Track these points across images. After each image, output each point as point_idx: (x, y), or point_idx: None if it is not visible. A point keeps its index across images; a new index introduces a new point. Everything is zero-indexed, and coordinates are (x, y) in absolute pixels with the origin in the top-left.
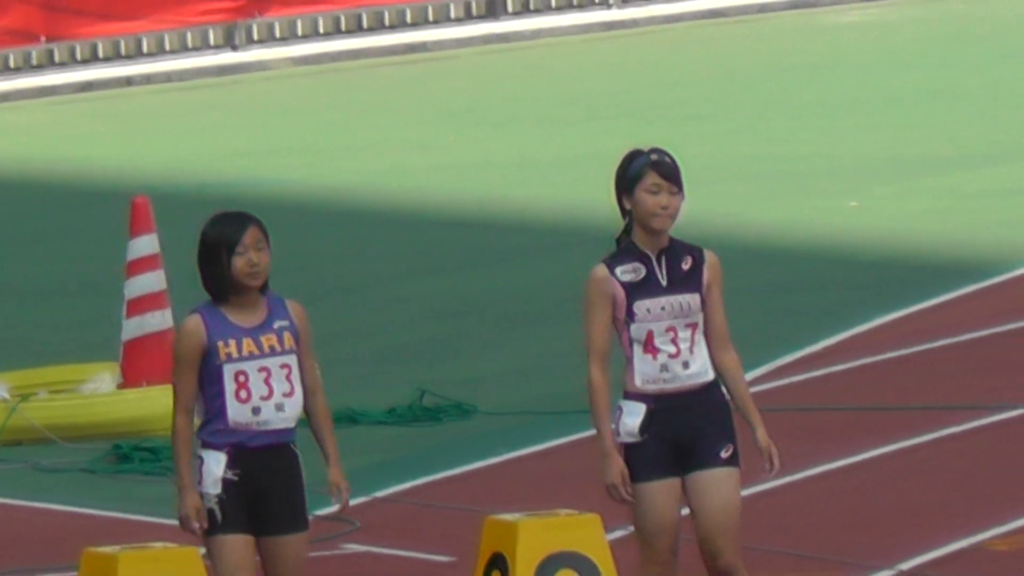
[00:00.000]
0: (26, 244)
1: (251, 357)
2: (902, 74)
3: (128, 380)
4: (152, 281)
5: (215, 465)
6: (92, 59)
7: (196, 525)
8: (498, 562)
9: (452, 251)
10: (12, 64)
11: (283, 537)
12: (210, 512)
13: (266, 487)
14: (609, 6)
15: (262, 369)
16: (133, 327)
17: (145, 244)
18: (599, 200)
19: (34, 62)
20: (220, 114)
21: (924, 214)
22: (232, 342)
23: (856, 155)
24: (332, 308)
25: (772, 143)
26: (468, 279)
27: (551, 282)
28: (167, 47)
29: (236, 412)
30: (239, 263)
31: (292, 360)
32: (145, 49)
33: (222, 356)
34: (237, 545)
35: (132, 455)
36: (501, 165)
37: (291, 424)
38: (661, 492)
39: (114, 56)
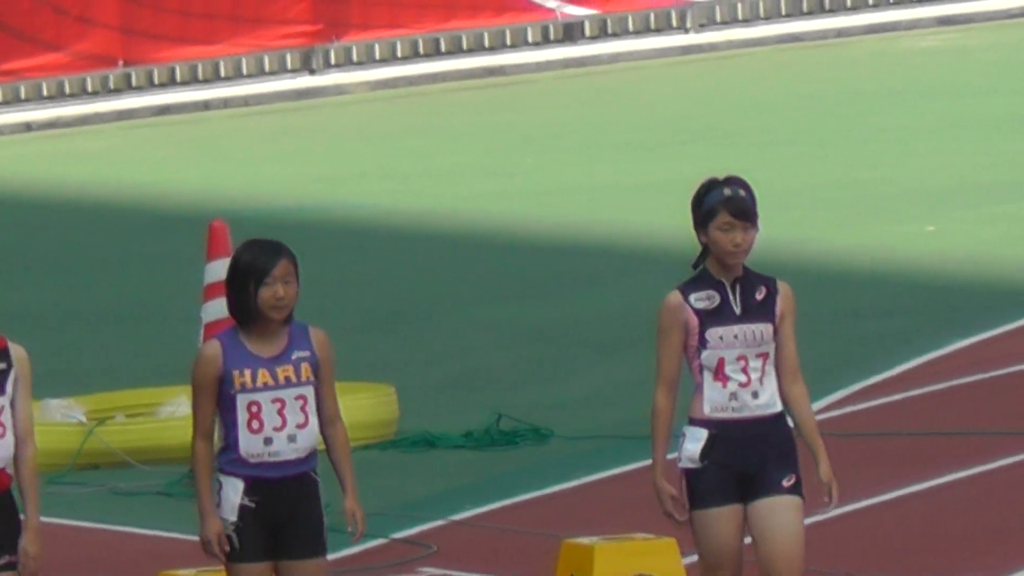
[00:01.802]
0: (103, 269)
1: (265, 388)
2: (979, 99)
3: None
4: None
5: (232, 492)
6: (169, 83)
7: (217, 549)
8: None
9: (530, 277)
10: (90, 88)
11: (302, 562)
12: (228, 539)
13: (284, 515)
14: (687, 30)
15: (276, 400)
16: None
17: (222, 268)
18: (676, 226)
19: (112, 86)
20: (297, 139)
21: (999, 240)
22: (247, 372)
23: (932, 181)
24: (409, 333)
25: (847, 169)
26: (546, 305)
27: (628, 308)
28: (244, 71)
29: (248, 442)
30: (265, 294)
31: (308, 391)
32: (222, 73)
33: (236, 385)
34: (254, 573)
35: None
36: (579, 190)
37: (303, 455)
38: (721, 519)
39: (191, 80)
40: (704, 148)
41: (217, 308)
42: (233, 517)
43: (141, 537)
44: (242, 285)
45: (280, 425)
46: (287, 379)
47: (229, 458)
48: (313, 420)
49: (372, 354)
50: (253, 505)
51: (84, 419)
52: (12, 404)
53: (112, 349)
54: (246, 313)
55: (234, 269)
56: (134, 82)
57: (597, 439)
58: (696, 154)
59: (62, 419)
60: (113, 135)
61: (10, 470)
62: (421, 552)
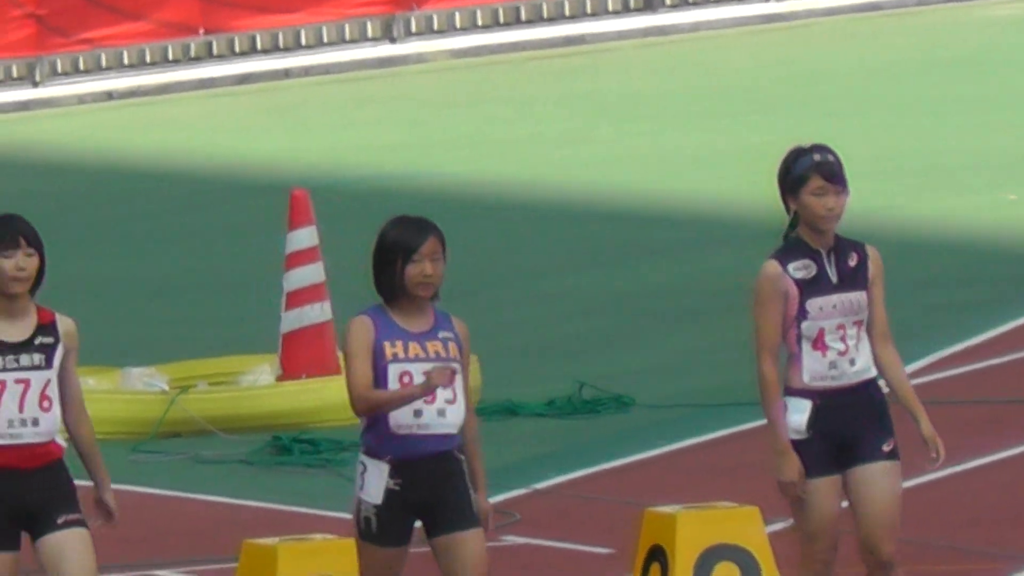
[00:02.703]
0: (185, 237)
1: (416, 360)
2: None
3: (287, 372)
4: (311, 273)
5: (377, 475)
6: (250, 51)
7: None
8: (657, 554)
9: (611, 245)
10: (171, 56)
11: (459, 534)
12: (366, 520)
13: (429, 496)
14: None
15: (426, 374)
16: (292, 319)
17: (304, 236)
18: (754, 195)
19: (192, 55)
20: (378, 107)
21: None
22: (399, 343)
23: (1012, 150)
24: (491, 301)
25: (925, 137)
26: (626, 273)
27: (708, 276)
28: (325, 39)
29: (398, 413)
30: (412, 271)
31: (458, 368)
32: (303, 41)
33: (388, 355)
34: (389, 557)
35: (291, 447)
36: (657, 159)
37: (452, 431)
38: (825, 489)
39: (272, 48)
40: (782, 117)
41: (299, 277)
42: (377, 501)
43: (223, 505)
44: (389, 261)
45: (431, 398)
46: (436, 354)
47: (375, 434)
48: (462, 399)
49: None
50: (398, 488)
51: (166, 388)
52: (60, 377)
53: (194, 318)
54: (392, 290)
55: (381, 245)
56: (215, 50)
57: (679, 407)
58: (774, 123)
59: (144, 388)
60: (194, 103)
61: (60, 441)
62: (504, 520)
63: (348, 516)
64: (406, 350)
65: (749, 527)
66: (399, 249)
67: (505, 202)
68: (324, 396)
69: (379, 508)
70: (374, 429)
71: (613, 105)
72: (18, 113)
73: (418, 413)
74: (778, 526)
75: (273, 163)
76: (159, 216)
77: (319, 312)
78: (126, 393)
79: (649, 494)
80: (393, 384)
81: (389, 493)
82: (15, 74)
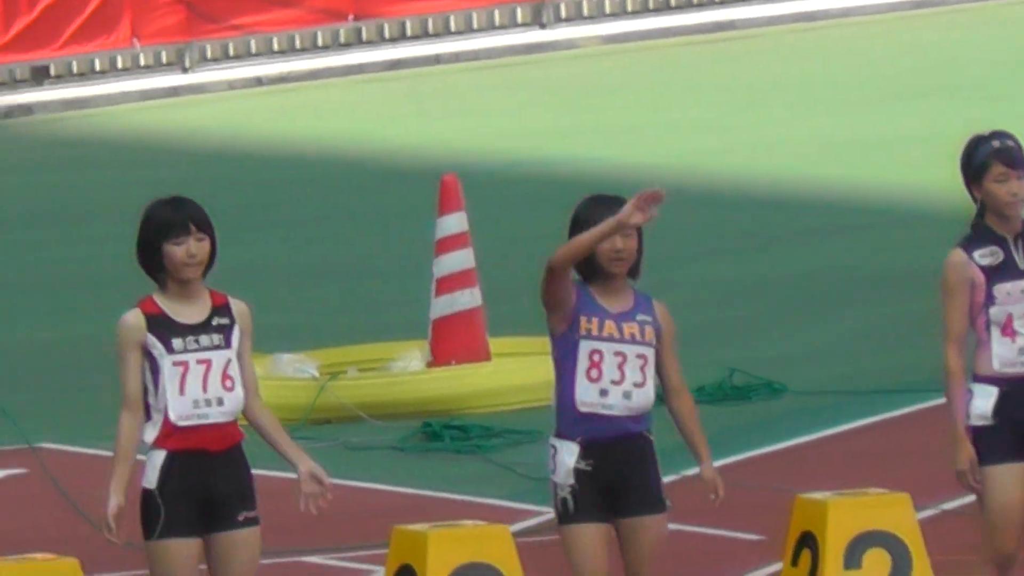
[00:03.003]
0: (335, 223)
1: (610, 339)
2: None
3: (437, 358)
4: (461, 259)
5: (568, 455)
6: (400, 37)
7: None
8: (807, 541)
9: (760, 231)
10: (320, 43)
11: (642, 518)
12: (563, 502)
13: (618, 477)
14: None
15: (618, 354)
16: (442, 305)
17: (454, 222)
18: (904, 181)
19: (342, 40)
20: (527, 92)
21: None
22: (595, 320)
23: None
24: (641, 288)
25: None
26: (778, 259)
27: (859, 262)
28: (475, 25)
29: (584, 391)
30: (603, 247)
31: (650, 353)
32: (453, 27)
33: (582, 330)
34: (590, 534)
35: (441, 433)
36: (806, 145)
37: (638, 413)
38: (1007, 476)
39: (422, 34)
40: (933, 103)
41: (449, 263)
42: (570, 480)
43: (374, 492)
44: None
45: (618, 379)
46: (632, 336)
47: (565, 416)
48: (650, 383)
49: None
50: (589, 468)
51: (317, 374)
52: (239, 357)
53: (344, 304)
54: (589, 266)
55: (572, 223)
56: (364, 36)
57: (830, 394)
58: (925, 109)
59: (294, 374)
60: (343, 89)
61: (240, 426)
62: None
63: (498, 502)
64: (601, 328)
65: (900, 514)
66: (589, 227)
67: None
68: (474, 382)
69: (573, 487)
70: (563, 410)
71: (763, 91)
72: (167, 99)
73: (604, 393)
74: (929, 512)
75: (423, 149)
76: (309, 202)
77: (469, 298)
78: (276, 379)
79: (800, 480)
80: (583, 361)
81: (579, 473)
82: (164, 60)
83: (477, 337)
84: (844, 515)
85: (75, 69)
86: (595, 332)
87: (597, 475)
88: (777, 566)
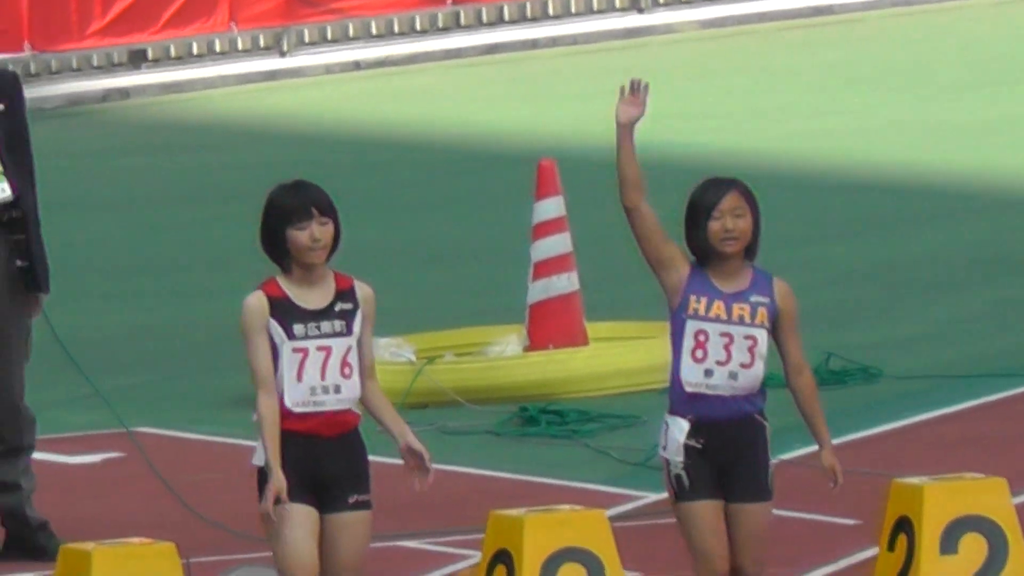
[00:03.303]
0: (432, 207)
1: (716, 320)
2: None
3: (534, 343)
4: (558, 244)
5: (678, 432)
6: (498, 22)
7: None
8: (904, 525)
9: (858, 216)
10: (418, 27)
11: (746, 505)
12: (677, 478)
13: (729, 458)
14: None
15: (724, 335)
16: (539, 290)
17: (551, 207)
18: (1004, 166)
19: (440, 25)
20: (625, 77)
21: None
22: (703, 300)
23: None
24: None
25: None
26: (874, 244)
27: (956, 247)
28: (572, 10)
29: (689, 371)
30: (714, 227)
31: (760, 334)
32: (551, 12)
33: (689, 310)
34: (708, 510)
35: (538, 418)
36: (905, 130)
37: (745, 393)
38: None
39: (519, 19)
40: None
41: (546, 247)
42: (681, 457)
43: (471, 476)
44: (694, 220)
45: (724, 360)
46: (740, 317)
47: (675, 393)
48: (759, 364)
49: None
50: (699, 447)
51: (414, 358)
52: (359, 344)
53: (441, 288)
54: (702, 248)
55: (688, 206)
56: (462, 21)
57: (927, 379)
58: None
59: (391, 358)
60: (441, 73)
61: (356, 410)
62: None
63: (594, 487)
64: (708, 308)
65: (996, 499)
66: (702, 207)
67: (758, 172)
68: (571, 367)
69: (686, 463)
70: (674, 387)
71: (863, 75)
72: (265, 83)
73: (708, 373)
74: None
75: (520, 133)
76: (405, 187)
77: (566, 283)
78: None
79: (896, 465)
80: (688, 340)
81: (689, 449)
82: (262, 44)
83: (574, 322)
84: (940, 500)
85: (172, 53)
86: (702, 312)
87: (707, 453)
88: (873, 551)
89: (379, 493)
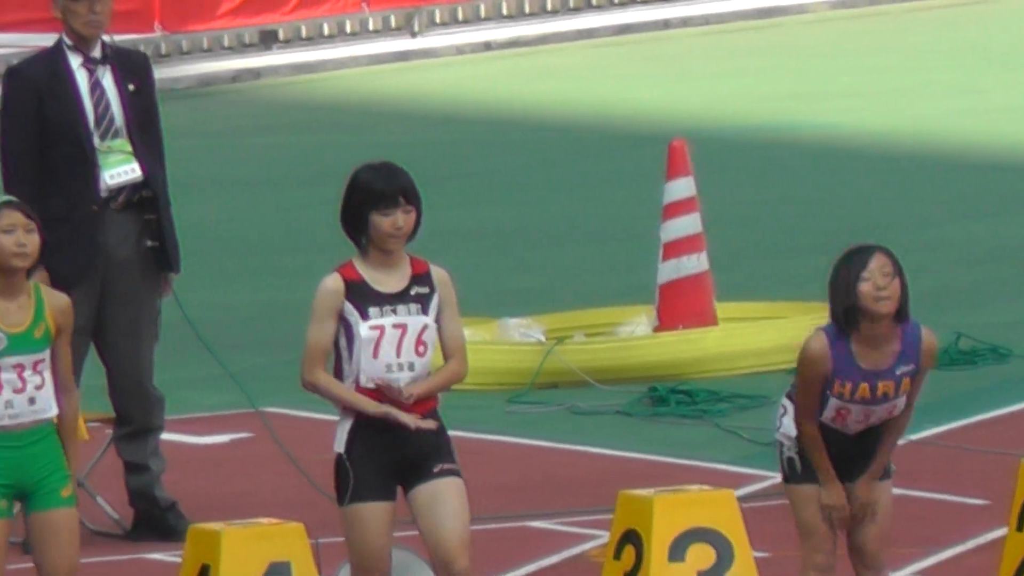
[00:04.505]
0: (565, 187)
1: (862, 402)
2: None
3: (664, 323)
4: (688, 224)
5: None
6: (629, 2)
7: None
8: None
9: (993, 195)
10: (549, 7)
11: (869, 483)
12: (789, 461)
13: (847, 452)
14: None
15: (866, 411)
16: (669, 270)
17: (682, 187)
18: None
19: (571, 5)
20: (758, 57)
21: None
22: (848, 384)
23: None
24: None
25: None
26: (1009, 223)
27: None
28: None
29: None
30: (865, 288)
31: (901, 401)
32: None
33: (835, 391)
34: (816, 494)
35: (668, 398)
36: None
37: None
38: None
39: None
40: None
41: (676, 227)
42: (794, 440)
43: (601, 456)
44: (841, 286)
45: (862, 420)
46: (884, 395)
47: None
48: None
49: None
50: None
51: (543, 338)
52: (441, 326)
53: (572, 268)
54: (850, 314)
55: (835, 272)
56: (594, 1)
57: None
58: None
59: (521, 338)
60: (574, 53)
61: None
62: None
63: (727, 467)
64: (853, 393)
65: None
66: (850, 271)
67: (887, 152)
68: (701, 347)
69: (799, 446)
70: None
71: (1002, 55)
72: (396, 64)
73: (846, 427)
74: None
75: (653, 113)
76: (540, 166)
77: (696, 263)
78: (503, 344)
79: None
80: (829, 411)
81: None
82: (393, 24)
83: (704, 302)
84: None
85: (303, 33)
86: (847, 396)
87: (824, 438)
88: (1003, 531)
89: (508, 471)
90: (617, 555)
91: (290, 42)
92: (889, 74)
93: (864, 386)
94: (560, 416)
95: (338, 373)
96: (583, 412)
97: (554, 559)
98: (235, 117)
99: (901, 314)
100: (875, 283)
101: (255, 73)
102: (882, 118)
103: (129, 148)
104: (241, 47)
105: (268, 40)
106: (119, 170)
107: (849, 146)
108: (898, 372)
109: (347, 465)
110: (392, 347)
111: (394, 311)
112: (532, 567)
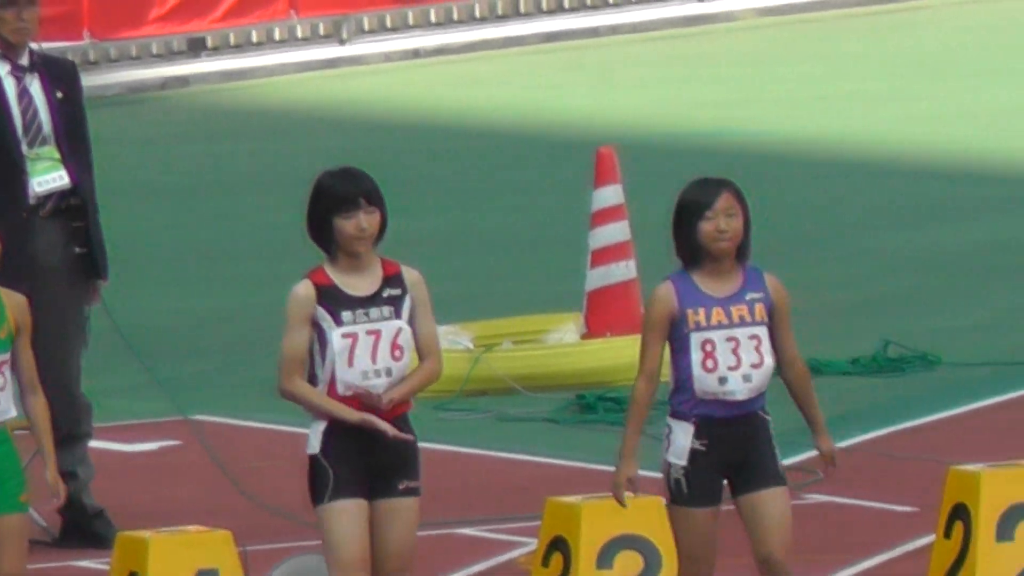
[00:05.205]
0: (495, 195)
1: (719, 327)
2: None
3: (592, 330)
4: (616, 232)
5: (683, 436)
6: (557, 9)
7: (623, 495)
8: (960, 513)
9: (921, 203)
10: (477, 14)
11: (763, 491)
12: (676, 483)
13: (737, 456)
14: None
15: (730, 339)
16: (597, 277)
17: (610, 194)
18: None
19: (500, 12)
20: (686, 65)
21: None
22: (701, 310)
23: None
24: (800, 260)
25: None
26: (938, 232)
27: (1018, 234)
28: None
29: (702, 381)
30: (706, 228)
31: (763, 331)
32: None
33: (690, 323)
34: (704, 517)
35: (596, 405)
36: (973, 117)
37: (755, 394)
38: None
39: (579, 6)
40: None
41: (604, 235)
42: (683, 462)
43: (528, 464)
44: (684, 221)
45: (735, 364)
46: (741, 318)
47: (680, 399)
48: (768, 360)
49: None
50: (703, 448)
51: (472, 345)
52: (415, 327)
53: (500, 275)
54: (692, 251)
55: (676, 208)
56: (522, 8)
57: (986, 366)
58: None
59: (449, 345)
60: (502, 61)
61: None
62: (807, 479)
63: (652, 474)
64: (708, 318)
65: None
66: (693, 208)
67: (816, 160)
68: (629, 354)
69: (687, 469)
70: (680, 393)
71: (931, 62)
72: (325, 71)
73: (723, 380)
74: None
75: (581, 120)
76: (465, 174)
77: (624, 270)
78: None
79: (953, 452)
80: (696, 353)
81: (694, 453)
82: (322, 32)
83: (632, 309)
84: (997, 487)
85: (232, 41)
86: (703, 323)
87: (712, 454)
88: (930, 538)
89: (437, 478)
90: (545, 562)
91: (219, 49)
92: (818, 82)
93: (718, 310)
94: (488, 423)
95: (311, 378)
96: (511, 419)
97: (482, 566)
98: (164, 124)
99: (741, 252)
100: (717, 225)
101: (184, 80)
102: (810, 126)
103: (57, 155)
104: (170, 54)
105: (197, 47)
106: (47, 177)
107: (777, 154)
108: (747, 297)
109: (324, 464)
110: (367, 354)
111: (367, 315)
112: (460, 574)
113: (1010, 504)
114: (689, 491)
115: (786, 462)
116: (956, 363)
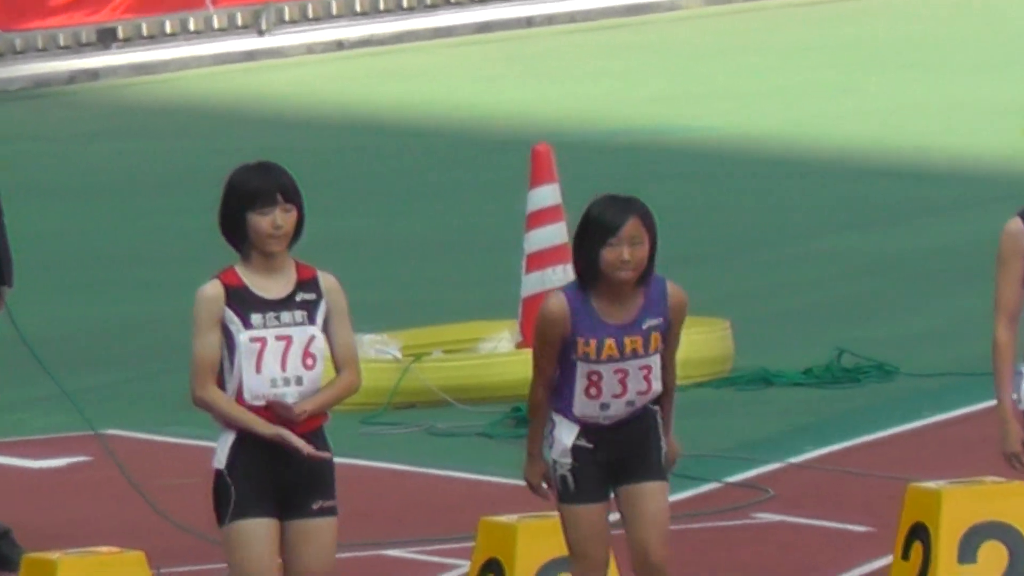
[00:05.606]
0: (421, 195)
1: (609, 360)
2: None
3: (528, 339)
4: (553, 234)
5: (566, 435)
6: None
7: (540, 492)
8: (919, 533)
9: (876, 204)
10: (405, 4)
11: (642, 484)
12: (563, 479)
13: (621, 452)
14: None
15: (619, 371)
16: (533, 282)
17: (546, 194)
18: None
19: (428, 2)
20: (627, 57)
21: None
22: (592, 341)
23: None
24: (746, 263)
25: None
26: (892, 234)
27: (978, 237)
28: None
29: (583, 406)
30: (609, 256)
31: (654, 361)
32: None
33: (579, 352)
34: (592, 514)
35: None
36: (927, 111)
37: (639, 410)
38: None
39: None
40: None
41: (540, 237)
42: (567, 459)
43: (461, 481)
44: (587, 241)
45: (620, 392)
46: (634, 351)
47: (563, 405)
48: (656, 385)
49: (706, 286)
50: (590, 446)
51: (400, 355)
52: (328, 334)
53: (430, 280)
54: (591, 274)
55: (581, 224)
56: None
57: (945, 376)
58: None
59: (376, 355)
60: (431, 53)
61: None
62: (757, 497)
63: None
64: (600, 350)
65: (1018, 504)
66: (597, 231)
67: (764, 157)
68: None
69: (572, 465)
70: (561, 401)
71: (883, 53)
72: (243, 64)
73: (605, 407)
74: None
75: (515, 116)
76: (392, 173)
77: (562, 275)
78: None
79: (912, 468)
80: (580, 381)
81: (578, 450)
82: (240, 22)
83: None
84: (959, 505)
85: (144, 32)
86: (592, 356)
87: (597, 452)
88: (887, 559)
89: (363, 497)
90: None
91: (130, 41)
92: (765, 74)
93: (610, 342)
94: (418, 438)
95: (219, 386)
96: (442, 433)
97: None
98: (72, 120)
99: (643, 279)
100: (620, 255)
101: (93, 74)
102: (758, 121)
103: None
104: (78, 46)
105: (106, 39)
106: None
107: (724, 151)
108: (644, 326)
109: (228, 481)
110: (276, 360)
111: (278, 319)
112: None
113: (972, 524)
114: (577, 487)
115: (735, 478)
116: (915, 374)
